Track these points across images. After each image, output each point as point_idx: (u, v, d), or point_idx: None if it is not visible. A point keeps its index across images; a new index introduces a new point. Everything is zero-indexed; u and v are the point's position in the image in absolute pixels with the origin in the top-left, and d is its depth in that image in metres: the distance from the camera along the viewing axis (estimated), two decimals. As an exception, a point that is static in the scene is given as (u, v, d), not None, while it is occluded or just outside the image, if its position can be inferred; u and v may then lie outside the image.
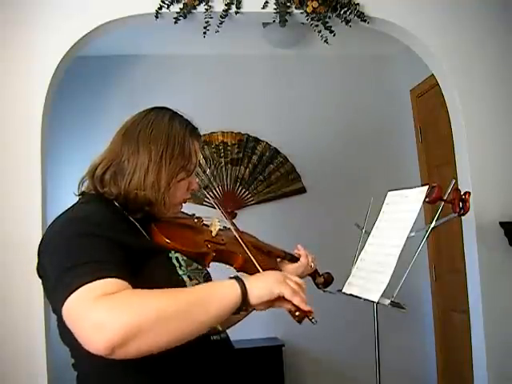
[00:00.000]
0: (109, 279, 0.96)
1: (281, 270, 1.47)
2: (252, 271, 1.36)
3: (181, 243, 1.19)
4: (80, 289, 0.94)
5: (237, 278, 1.04)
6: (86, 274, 0.96)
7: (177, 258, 1.17)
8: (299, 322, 1.12)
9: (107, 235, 1.05)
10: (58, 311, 1.09)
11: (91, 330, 0.91)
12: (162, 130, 1.23)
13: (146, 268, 1.09)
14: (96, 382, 1.12)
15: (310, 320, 1.09)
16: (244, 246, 1.31)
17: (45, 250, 1.09)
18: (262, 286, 1.04)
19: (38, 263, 1.12)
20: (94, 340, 0.91)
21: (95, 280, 0.95)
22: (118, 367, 1.05)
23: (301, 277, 1.49)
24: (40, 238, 1.14)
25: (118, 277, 0.98)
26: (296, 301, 1.06)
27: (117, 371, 1.07)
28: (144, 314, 0.92)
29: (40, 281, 1.14)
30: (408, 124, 3.93)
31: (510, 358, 2.49)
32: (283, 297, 1.05)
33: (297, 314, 1.07)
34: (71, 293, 0.94)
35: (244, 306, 1.02)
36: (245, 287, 1.02)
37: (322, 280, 1.64)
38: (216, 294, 1.01)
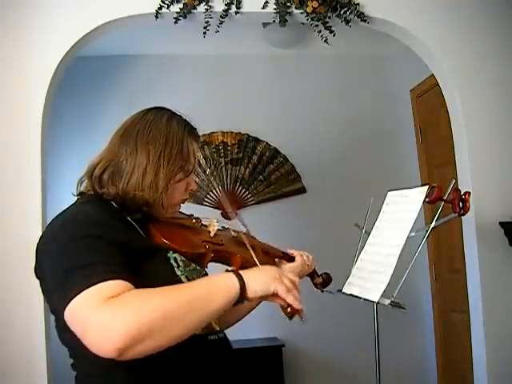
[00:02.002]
0: (112, 281, 0.96)
1: None
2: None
3: (179, 244, 1.19)
4: (84, 292, 0.94)
5: (235, 272, 1.05)
6: (89, 277, 0.96)
7: (175, 259, 1.17)
8: (290, 318, 1.13)
9: (108, 236, 1.05)
10: (58, 312, 1.08)
11: (99, 334, 0.91)
12: (160, 130, 1.23)
13: (145, 268, 1.09)
14: (95, 382, 1.11)
15: (301, 318, 1.11)
16: (244, 247, 1.31)
17: (45, 250, 1.09)
18: (258, 281, 1.05)
19: (37, 263, 1.12)
20: (103, 344, 0.91)
21: (99, 282, 0.95)
22: (116, 368, 1.05)
23: (300, 277, 1.49)
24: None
25: (122, 278, 0.98)
26: (289, 299, 1.06)
27: (115, 372, 1.07)
28: (150, 314, 0.93)
29: (39, 283, 1.14)
30: (408, 124, 3.93)
31: (510, 358, 2.49)
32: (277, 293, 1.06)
33: (288, 310, 1.08)
34: (75, 295, 0.94)
35: (241, 300, 1.03)
36: (243, 282, 1.03)
37: (321, 280, 1.64)
38: (216, 288, 1.02)
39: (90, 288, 0.94)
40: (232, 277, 1.04)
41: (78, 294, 0.94)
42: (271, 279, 1.06)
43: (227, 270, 1.05)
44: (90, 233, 1.04)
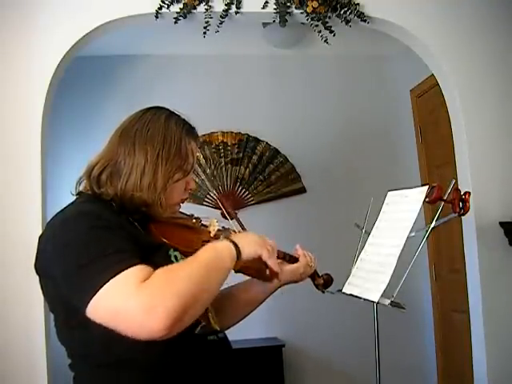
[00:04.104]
0: (136, 266, 0.99)
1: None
2: (251, 272, 1.36)
3: (178, 243, 1.19)
4: (112, 280, 0.96)
5: (228, 239, 1.14)
6: (111, 266, 0.97)
7: (175, 256, 1.17)
8: (268, 280, 1.34)
9: (115, 225, 1.06)
10: (58, 310, 1.08)
11: (143, 317, 0.93)
12: (158, 130, 1.22)
13: (148, 264, 1.09)
14: (93, 383, 1.11)
15: (277, 278, 1.30)
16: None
17: (49, 247, 1.08)
18: (249, 247, 1.16)
19: (38, 261, 1.11)
20: (149, 325, 0.93)
21: (123, 270, 0.97)
22: (114, 367, 1.06)
23: (301, 278, 1.49)
24: (40, 238, 1.13)
25: (141, 263, 1.00)
26: (271, 262, 1.21)
27: (113, 372, 1.07)
28: (185, 286, 0.97)
29: (39, 280, 1.13)
30: (408, 124, 3.93)
31: (510, 358, 2.49)
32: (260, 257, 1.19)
33: (267, 273, 1.26)
34: (101, 286, 0.95)
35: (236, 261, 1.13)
36: (237, 246, 1.13)
37: (322, 281, 1.63)
38: (221, 252, 1.11)
39: (117, 276, 0.96)
40: (228, 243, 1.13)
41: (105, 283, 0.95)
42: (258, 245, 1.19)
43: (220, 237, 1.18)
44: (99, 224, 1.05)
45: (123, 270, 0.97)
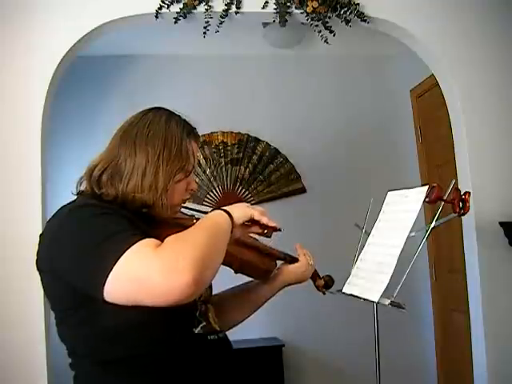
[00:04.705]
0: (146, 239, 1.01)
1: (278, 271, 1.48)
2: (250, 273, 1.36)
3: None
4: (126, 253, 0.97)
5: (219, 208, 1.18)
6: (122, 242, 0.99)
7: None
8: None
9: (118, 214, 1.08)
10: (59, 308, 1.08)
11: (167, 276, 0.94)
12: (159, 130, 1.22)
13: None
14: (93, 382, 1.11)
15: (279, 230, 1.34)
16: (245, 247, 1.32)
17: (52, 240, 1.08)
18: (238, 210, 1.21)
19: (40, 257, 1.11)
20: (176, 282, 0.94)
21: (136, 242, 0.99)
22: (115, 367, 1.06)
23: (303, 278, 1.50)
24: (40, 238, 1.13)
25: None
26: (264, 220, 1.26)
27: (114, 371, 1.07)
28: (198, 244, 1.00)
29: (40, 278, 1.13)
30: (408, 124, 3.93)
31: (510, 358, 2.49)
32: (254, 219, 1.24)
33: (265, 232, 1.30)
34: (117, 260, 0.96)
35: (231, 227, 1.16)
36: (229, 213, 1.17)
37: (323, 282, 1.64)
38: (218, 218, 1.15)
39: (132, 246, 0.98)
40: (221, 211, 1.17)
41: (119, 258, 0.96)
42: (245, 208, 1.25)
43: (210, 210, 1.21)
44: (103, 211, 1.07)
45: (135, 243, 0.99)
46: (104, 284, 0.97)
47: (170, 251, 0.98)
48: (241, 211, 1.21)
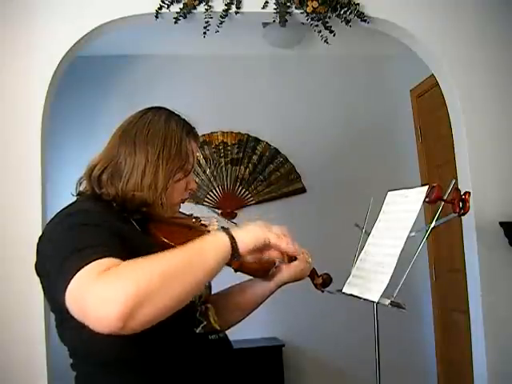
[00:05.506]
0: (105, 258, 0.93)
1: (276, 269, 1.48)
2: (250, 271, 1.36)
3: (178, 243, 1.19)
4: (81, 270, 0.91)
5: (223, 229, 1.07)
6: (86, 257, 0.93)
7: None
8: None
9: (107, 225, 1.05)
10: (60, 303, 1.08)
11: (98, 306, 0.87)
12: (159, 130, 1.23)
13: None
14: (94, 382, 1.11)
15: (295, 259, 1.17)
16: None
17: (44, 245, 1.08)
18: (247, 233, 1.06)
19: (37, 261, 1.11)
20: (105, 315, 0.86)
21: (93, 261, 0.92)
22: (116, 367, 1.05)
23: (301, 275, 1.50)
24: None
25: (114, 257, 0.95)
26: (283, 244, 1.09)
27: (115, 371, 1.07)
28: (146, 276, 0.89)
29: (39, 281, 1.13)
30: (408, 124, 3.93)
31: (509, 358, 2.49)
32: (269, 244, 1.08)
33: (285, 259, 1.14)
34: (73, 276, 0.91)
35: (235, 255, 1.03)
36: (232, 236, 1.03)
37: (321, 281, 1.64)
38: (209, 245, 1.01)
39: (86, 266, 0.91)
40: (221, 233, 1.04)
41: (76, 274, 0.91)
42: (259, 229, 1.08)
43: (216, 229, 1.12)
44: (90, 221, 1.04)
45: (92, 261, 0.92)
46: (64, 298, 0.93)
47: (114, 277, 0.89)
48: (251, 235, 1.06)
